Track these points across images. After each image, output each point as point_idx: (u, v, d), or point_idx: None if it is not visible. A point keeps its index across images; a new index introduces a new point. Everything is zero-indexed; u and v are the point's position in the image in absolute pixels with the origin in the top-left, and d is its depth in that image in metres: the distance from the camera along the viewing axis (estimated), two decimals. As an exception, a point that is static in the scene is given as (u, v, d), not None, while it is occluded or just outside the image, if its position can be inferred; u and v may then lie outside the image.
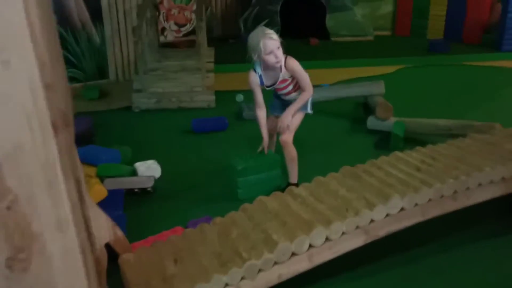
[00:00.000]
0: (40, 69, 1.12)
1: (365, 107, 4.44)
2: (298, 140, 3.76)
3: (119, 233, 1.90)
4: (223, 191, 2.90)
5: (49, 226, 1.26)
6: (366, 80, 5.38)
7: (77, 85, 5.01)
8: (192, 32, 7.13)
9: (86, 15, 5.08)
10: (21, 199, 1.19)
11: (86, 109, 4.47)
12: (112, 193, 2.47)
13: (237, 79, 5.70)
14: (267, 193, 2.21)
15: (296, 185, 2.85)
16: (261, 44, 2.49)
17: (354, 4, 8.10)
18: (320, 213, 1.93)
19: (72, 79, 5.07)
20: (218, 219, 1.99)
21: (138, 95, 4.41)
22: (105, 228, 1.82)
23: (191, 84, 4.60)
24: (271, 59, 2.55)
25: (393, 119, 3.80)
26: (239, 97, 4.81)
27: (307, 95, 2.75)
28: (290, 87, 2.78)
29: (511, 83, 5.44)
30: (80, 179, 1.68)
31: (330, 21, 7.83)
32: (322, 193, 2.11)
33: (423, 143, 3.61)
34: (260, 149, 2.88)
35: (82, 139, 3.16)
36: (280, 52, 2.56)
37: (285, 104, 2.87)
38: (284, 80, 2.74)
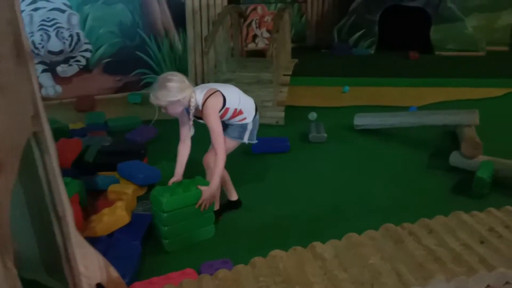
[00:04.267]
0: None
1: (454, 138, 3.86)
2: (365, 169, 3.40)
3: (113, 273, 1.78)
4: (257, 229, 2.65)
5: None
6: (465, 104, 4.75)
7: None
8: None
9: (170, 22, 5.18)
10: None
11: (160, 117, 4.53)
12: (137, 218, 2.37)
13: (318, 93, 5.40)
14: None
15: (236, 202, 2.81)
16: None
17: (466, 15, 7.21)
18: (336, 287, 1.60)
19: (151, 85, 5.21)
20: (221, 273, 1.76)
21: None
22: (96, 268, 1.71)
23: (261, 98, 4.41)
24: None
25: (481, 158, 3.21)
26: (312, 115, 4.50)
27: (221, 161, 2.41)
28: (226, 117, 2.53)
29: None
30: (66, 217, 1.57)
31: (435, 33, 7.06)
32: (350, 258, 1.76)
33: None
34: (170, 182, 2.52)
35: (137, 150, 3.15)
36: (173, 108, 2.33)
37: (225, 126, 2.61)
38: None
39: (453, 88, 5.52)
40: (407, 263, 1.68)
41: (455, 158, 3.36)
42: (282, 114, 4.33)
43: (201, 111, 2.44)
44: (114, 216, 2.24)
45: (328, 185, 3.21)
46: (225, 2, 5.25)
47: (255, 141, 2.74)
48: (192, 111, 2.41)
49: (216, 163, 2.45)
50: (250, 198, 2.99)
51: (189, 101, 2.37)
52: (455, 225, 1.91)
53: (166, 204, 2.30)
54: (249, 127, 2.64)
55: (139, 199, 2.76)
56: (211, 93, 2.44)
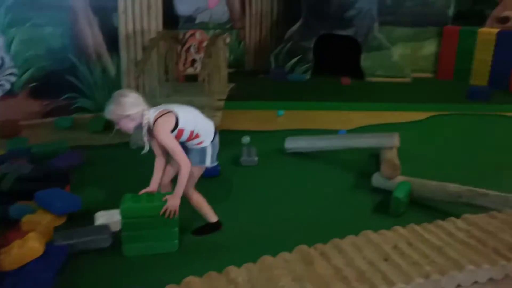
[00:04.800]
0: None
1: (378, 160, 4.05)
2: (293, 191, 3.49)
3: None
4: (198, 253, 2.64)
5: None
6: (392, 127, 5.02)
7: (87, 115, 5.00)
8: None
9: (102, 46, 5.11)
10: None
11: (88, 142, 4.42)
12: (53, 250, 2.27)
13: (253, 117, 5.50)
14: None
15: (216, 224, 2.84)
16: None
17: (393, 44, 7.70)
18: (244, 309, 1.61)
19: (82, 109, 5.09)
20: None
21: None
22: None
23: (195, 123, 4.42)
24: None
25: (399, 179, 3.39)
26: (245, 139, 4.57)
27: (185, 171, 2.50)
28: (182, 138, 2.58)
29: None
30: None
31: (365, 60, 7.46)
32: (262, 281, 1.79)
33: (429, 209, 3.27)
34: (142, 191, 2.62)
35: (59, 177, 3.04)
36: (124, 123, 2.44)
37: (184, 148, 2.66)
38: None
39: (381, 112, 5.83)
40: (316, 283, 1.73)
41: (376, 179, 3.53)
42: (215, 138, 4.34)
43: (152, 130, 2.48)
44: (25, 248, 2.14)
45: (256, 208, 3.25)
46: (160, 28, 5.27)
47: (216, 163, 2.79)
48: (145, 128, 2.46)
49: (180, 173, 2.50)
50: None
51: (142, 118, 2.43)
52: (363, 244, 2.00)
53: (124, 211, 2.46)
54: (209, 150, 2.67)
55: (58, 229, 2.64)
56: (163, 113, 2.49)
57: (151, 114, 2.47)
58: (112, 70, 5.23)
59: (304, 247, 2.00)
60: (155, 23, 5.17)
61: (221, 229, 2.87)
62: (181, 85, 5.63)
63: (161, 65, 5.00)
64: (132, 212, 2.48)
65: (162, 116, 2.46)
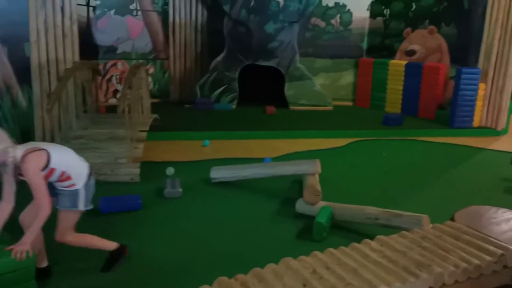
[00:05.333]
0: None
1: (301, 186, 4.13)
2: (217, 221, 3.43)
3: None
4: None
5: None
6: (315, 154, 5.18)
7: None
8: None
9: (11, 77, 4.79)
10: None
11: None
12: None
13: (179, 148, 5.41)
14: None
15: (119, 249, 2.74)
16: None
17: (314, 74, 8.06)
18: None
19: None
20: None
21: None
22: None
23: (115, 155, 4.25)
24: None
25: (321, 204, 3.47)
26: (170, 171, 4.45)
27: (43, 216, 2.32)
28: (51, 179, 2.43)
29: (458, 162, 5.23)
30: None
31: (289, 89, 7.72)
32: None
33: (350, 232, 3.36)
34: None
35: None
36: None
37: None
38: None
39: (305, 139, 6.02)
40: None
41: (299, 205, 3.58)
42: (138, 170, 4.20)
43: (20, 167, 2.28)
44: None
45: (178, 241, 3.15)
46: (77, 58, 5.07)
47: (91, 206, 2.62)
48: (11, 166, 2.26)
49: (39, 215, 2.30)
50: (94, 260, 2.79)
51: (6, 156, 2.23)
52: (283, 271, 1.98)
53: None
54: (82, 193, 2.51)
55: None
56: (34, 150, 2.32)
57: (17, 151, 2.28)
58: (23, 102, 4.90)
59: (224, 278, 1.95)
60: (71, 53, 4.96)
61: (127, 253, 2.77)
62: (102, 117, 5.42)
63: (79, 96, 4.79)
64: None
65: (33, 153, 2.30)
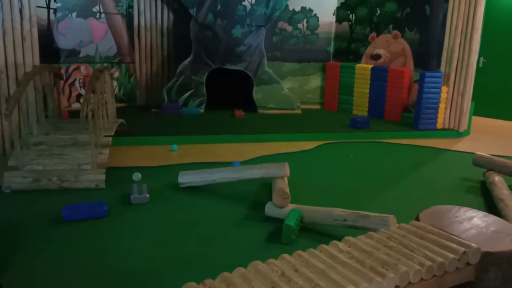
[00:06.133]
0: None
1: (270, 190, 4.12)
2: (184, 227, 3.37)
3: None
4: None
5: None
6: (283, 157, 5.20)
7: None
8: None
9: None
10: None
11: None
12: None
13: (146, 153, 5.31)
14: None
15: None
16: None
17: (282, 78, 8.10)
18: None
19: None
20: None
21: (11, 173, 3.86)
22: None
23: (79, 161, 4.12)
24: None
25: (290, 207, 3.47)
26: (136, 176, 4.36)
27: None
28: None
29: (423, 163, 5.36)
30: None
31: (257, 93, 7.72)
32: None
33: (320, 234, 3.38)
34: None
35: None
36: None
37: None
38: None
39: (274, 143, 6.03)
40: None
41: (269, 209, 3.56)
42: (103, 176, 4.08)
43: None
44: None
45: (145, 247, 3.06)
46: (37, 61, 4.90)
47: None
48: None
49: None
50: (60, 268, 2.68)
51: None
52: (252, 275, 1.95)
53: None
54: None
55: None
56: None
57: None
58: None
59: (192, 284, 1.90)
60: (31, 57, 4.78)
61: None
62: (64, 122, 5.25)
63: (40, 101, 4.62)
64: None
65: None
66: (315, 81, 8.52)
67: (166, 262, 2.88)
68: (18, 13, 4.71)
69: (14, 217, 3.45)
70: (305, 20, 8.27)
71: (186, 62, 7.50)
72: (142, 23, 7.59)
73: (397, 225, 2.53)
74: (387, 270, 1.92)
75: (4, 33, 4.58)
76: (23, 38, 4.73)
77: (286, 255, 2.10)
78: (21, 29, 4.76)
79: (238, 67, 7.57)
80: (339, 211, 3.25)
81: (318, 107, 8.47)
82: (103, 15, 7.34)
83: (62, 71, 6.48)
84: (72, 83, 7.02)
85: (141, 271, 2.76)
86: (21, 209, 3.61)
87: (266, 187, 4.26)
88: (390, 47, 7.59)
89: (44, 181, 3.92)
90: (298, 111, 7.82)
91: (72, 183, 3.99)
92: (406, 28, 7.42)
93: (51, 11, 6.75)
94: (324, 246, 2.12)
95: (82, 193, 3.95)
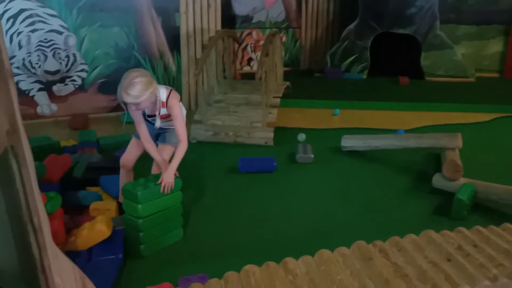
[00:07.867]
0: None
1: (439, 161, 3.92)
2: (349, 190, 3.46)
3: (89, 285, 1.82)
4: (241, 244, 2.70)
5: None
6: (453, 128, 4.84)
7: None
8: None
9: (164, 44, 5.32)
10: None
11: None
12: (117, 233, 2.42)
13: (308, 115, 5.50)
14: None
15: None
16: (120, 98, 2.40)
17: (455, 43, 7.39)
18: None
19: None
20: (195, 287, 1.80)
21: (196, 126, 4.43)
22: (72, 280, 1.75)
23: (251, 119, 4.50)
24: (131, 107, 2.43)
25: (462, 180, 3.27)
26: (301, 136, 4.58)
27: (183, 148, 2.56)
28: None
29: None
30: (41, 228, 1.62)
31: (425, 59, 7.22)
32: (320, 274, 1.81)
33: (494, 214, 3.13)
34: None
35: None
36: (145, 102, 2.40)
37: (154, 131, 2.70)
38: (164, 116, 2.63)
39: (442, 113, 5.63)
40: (375, 279, 1.73)
41: (437, 180, 3.42)
42: (271, 135, 4.40)
43: (165, 103, 2.55)
44: (94, 230, 2.29)
45: (310, 205, 3.25)
46: (219, 27, 5.40)
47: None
48: (159, 103, 2.54)
49: (179, 148, 2.57)
50: (232, 213, 3.06)
51: (155, 94, 2.49)
52: (425, 244, 1.96)
53: (142, 210, 2.38)
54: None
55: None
56: (170, 88, 2.62)
57: (161, 89, 2.55)
58: (173, 67, 5.43)
59: (362, 242, 2.00)
60: (214, 23, 5.31)
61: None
62: (239, 82, 5.73)
63: (219, 64, 5.13)
64: (149, 209, 2.42)
65: (172, 91, 2.58)
66: (495, 46, 7.55)
67: (331, 222, 3.02)
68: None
69: (199, 164, 3.99)
70: (490, -25, 7.31)
71: (351, 26, 7.37)
72: (311, -12, 7.66)
73: None
74: None
75: (194, 1, 5.16)
76: (208, 5, 5.26)
77: (463, 228, 2.04)
78: (208, -4, 5.29)
79: (406, 30, 7.15)
80: (521, 191, 2.95)
81: (496, 75, 7.54)
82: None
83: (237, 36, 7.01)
84: (245, 48, 7.55)
85: (301, 226, 2.94)
86: (204, 158, 4.14)
87: (431, 157, 4.07)
88: None
89: (222, 135, 4.41)
90: (472, 79, 7.10)
91: (245, 138, 4.40)
92: None
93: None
94: (509, 225, 1.99)
95: (253, 148, 4.33)
